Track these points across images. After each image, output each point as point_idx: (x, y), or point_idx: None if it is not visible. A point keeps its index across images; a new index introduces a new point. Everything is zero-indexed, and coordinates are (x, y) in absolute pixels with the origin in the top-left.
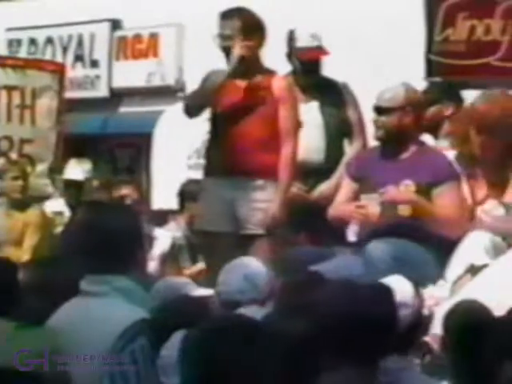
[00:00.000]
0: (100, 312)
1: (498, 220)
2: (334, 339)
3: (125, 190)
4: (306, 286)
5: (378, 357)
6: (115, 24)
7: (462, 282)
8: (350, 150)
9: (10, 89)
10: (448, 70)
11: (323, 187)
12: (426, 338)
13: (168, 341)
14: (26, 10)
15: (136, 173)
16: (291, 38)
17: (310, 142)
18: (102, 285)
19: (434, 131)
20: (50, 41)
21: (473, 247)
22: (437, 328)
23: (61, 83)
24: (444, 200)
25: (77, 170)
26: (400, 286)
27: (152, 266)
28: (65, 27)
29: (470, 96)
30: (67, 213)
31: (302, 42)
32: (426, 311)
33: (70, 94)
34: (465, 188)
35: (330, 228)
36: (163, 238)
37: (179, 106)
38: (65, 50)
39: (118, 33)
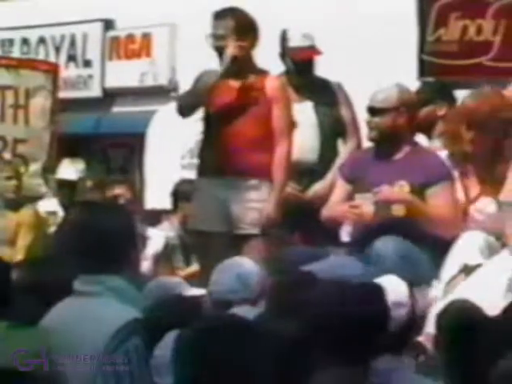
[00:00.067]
0: (93, 312)
1: (491, 218)
2: (325, 339)
3: (118, 190)
4: (297, 286)
5: (369, 357)
6: (108, 24)
7: (455, 281)
8: (344, 149)
9: (3, 88)
10: (440, 70)
11: (317, 187)
12: (420, 338)
13: (161, 341)
14: (19, 10)
15: (129, 173)
16: (284, 37)
17: (304, 141)
18: (95, 285)
19: (428, 131)
20: (42, 41)
21: (467, 247)
22: (430, 328)
23: (54, 83)
24: (438, 200)
25: (70, 169)
26: (395, 286)
27: (145, 265)
28: (57, 27)
29: (462, 96)
30: (60, 213)
31: (295, 41)
32: (419, 311)
33: (62, 94)
34: (458, 187)
35: (324, 228)
36: (156, 237)
37: (172, 106)
38: (57, 49)
39: (111, 33)
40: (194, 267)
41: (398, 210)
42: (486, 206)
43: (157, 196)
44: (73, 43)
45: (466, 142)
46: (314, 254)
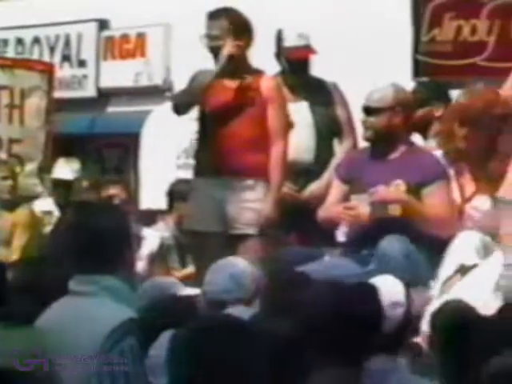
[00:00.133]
0: (88, 312)
1: (487, 216)
2: (318, 339)
3: (113, 190)
4: (290, 286)
5: (363, 357)
6: (102, 24)
7: (452, 281)
8: (340, 149)
9: None
10: (435, 70)
11: (313, 187)
12: (418, 339)
13: (156, 340)
14: (13, 10)
15: (124, 173)
16: (279, 37)
17: (300, 141)
18: (90, 284)
19: (424, 132)
20: (37, 41)
21: (463, 247)
22: (426, 327)
23: (50, 83)
24: (434, 199)
25: (65, 169)
26: (391, 286)
27: (140, 265)
28: (52, 27)
29: (456, 96)
30: (56, 212)
31: (290, 41)
32: (416, 311)
33: (57, 94)
34: (453, 186)
35: (320, 228)
36: (151, 237)
37: (167, 106)
38: (52, 49)
39: (106, 33)
40: (190, 269)
41: (395, 210)
42: (481, 203)
43: (152, 196)
44: (67, 43)
45: (460, 138)
46: (310, 255)
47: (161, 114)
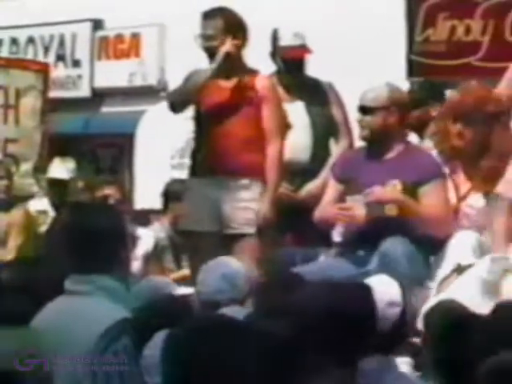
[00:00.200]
0: (83, 311)
1: (481, 212)
2: (311, 339)
3: (107, 190)
4: (283, 287)
5: (357, 357)
6: (97, 24)
7: (448, 281)
8: (336, 149)
9: None
10: (429, 70)
11: (310, 187)
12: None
13: (151, 340)
14: (7, 10)
15: (118, 173)
16: (275, 37)
17: (296, 141)
18: (85, 284)
19: (420, 131)
20: (31, 40)
21: (459, 247)
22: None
23: (45, 83)
24: (431, 198)
25: (61, 168)
26: (386, 286)
27: (135, 265)
28: (46, 27)
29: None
30: (51, 212)
31: (286, 40)
32: (413, 311)
33: (51, 94)
34: (449, 184)
35: (316, 228)
36: (146, 237)
37: (161, 106)
38: (46, 49)
39: (100, 33)
40: (186, 271)
41: (391, 210)
42: (476, 201)
43: (146, 196)
44: (62, 43)
45: (454, 135)
46: (305, 255)
47: (155, 114)
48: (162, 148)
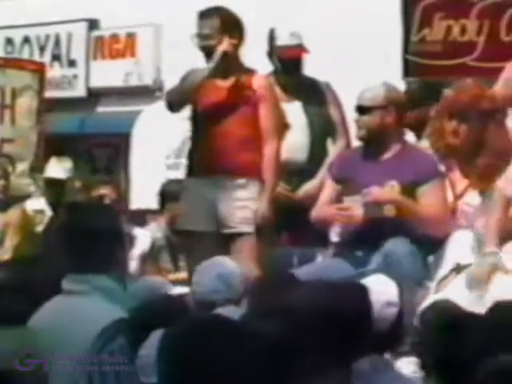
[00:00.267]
0: (80, 311)
1: (478, 210)
2: (308, 340)
3: (103, 190)
4: (279, 287)
5: (354, 357)
6: (92, 24)
7: (447, 281)
8: (333, 149)
9: None
10: (425, 70)
11: (307, 186)
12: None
13: (146, 340)
14: (3, 10)
15: (114, 173)
16: (272, 36)
17: (294, 141)
18: (82, 284)
19: (418, 132)
20: (27, 40)
21: (458, 246)
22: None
23: (41, 83)
24: (429, 198)
25: (58, 168)
26: (384, 286)
27: (132, 265)
28: (42, 27)
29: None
30: (48, 211)
31: (283, 40)
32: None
33: (47, 94)
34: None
35: (313, 228)
36: (143, 237)
37: (157, 106)
38: (42, 49)
39: (96, 32)
40: (184, 274)
41: (389, 210)
42: (473, 199)
43: (142, 196)
44: (57, 43)
45: (449, 133)
46: (302, 255)
47: (151, 114)
48: (157, 148)
